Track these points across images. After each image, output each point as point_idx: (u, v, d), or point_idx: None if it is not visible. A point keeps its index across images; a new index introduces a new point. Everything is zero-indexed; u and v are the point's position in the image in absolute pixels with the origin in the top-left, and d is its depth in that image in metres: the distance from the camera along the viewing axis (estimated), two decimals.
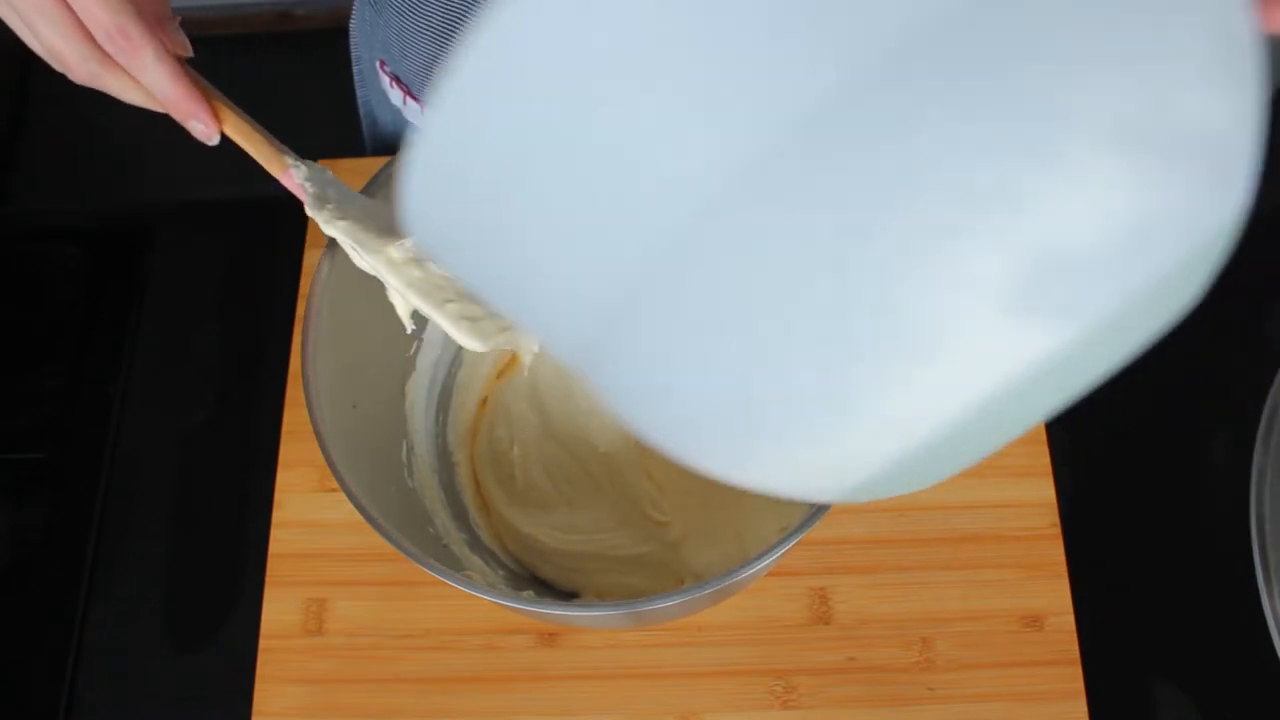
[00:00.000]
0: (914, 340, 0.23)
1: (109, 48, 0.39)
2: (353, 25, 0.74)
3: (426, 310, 0.47)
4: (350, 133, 0.84)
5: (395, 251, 0.46)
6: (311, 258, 0.67)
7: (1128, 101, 0.22)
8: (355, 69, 0.77)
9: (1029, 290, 0.23)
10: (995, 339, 0.23)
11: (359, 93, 0.79)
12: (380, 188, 0.51)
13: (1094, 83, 0.22)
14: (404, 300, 0.47)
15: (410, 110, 0.71)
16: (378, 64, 0.72)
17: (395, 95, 0.71)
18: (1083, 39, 0.22)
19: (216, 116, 0.44)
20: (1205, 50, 0.23)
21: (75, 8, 0.38)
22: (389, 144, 0.78)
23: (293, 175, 0.46)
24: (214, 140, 0.45)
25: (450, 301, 0.47)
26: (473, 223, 0.26)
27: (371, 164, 0.67)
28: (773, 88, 0.21)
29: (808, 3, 0.21)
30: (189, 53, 0.43)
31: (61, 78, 0.41)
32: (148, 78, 0.41)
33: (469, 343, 0.46)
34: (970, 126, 0.21)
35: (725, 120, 0.22)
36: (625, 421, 0.30)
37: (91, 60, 0.40)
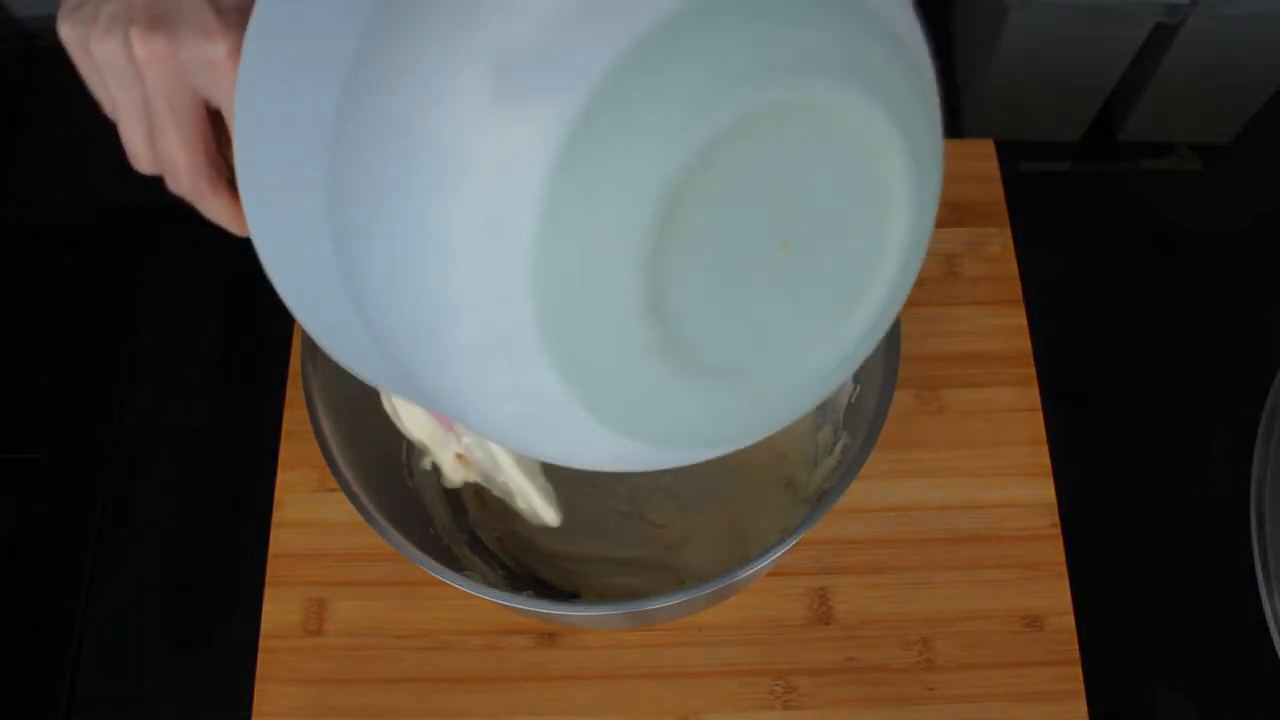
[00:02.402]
0: (437, 153, 0.25)
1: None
2: None
3: (518, 483, 0.46)
4: None
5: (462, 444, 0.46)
6: None
7: None
8: None
9: (504, 81, 0.25)
10: (498, 130, 0.25)
11: None
12: None
13: None
14: (475, 469, 0.47)
15: None
16: None
17: None
18: None
19: None
20: None
21: (226, 116, 0.35)
22: None
23: None
24: None
25: (536, 477, 0.46)
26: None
27: None
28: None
29: None
30: None
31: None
32: None
33: (550, 517, 0.46)
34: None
35: None
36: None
37: (204, 176, 0.36)
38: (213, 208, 0.37)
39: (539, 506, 0.46)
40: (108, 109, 0.36)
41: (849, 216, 0.29)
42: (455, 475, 0.47)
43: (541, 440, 0.30)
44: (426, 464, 0.48)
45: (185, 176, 0.36)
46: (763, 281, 0.29)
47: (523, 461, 0.45)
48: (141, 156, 0.36)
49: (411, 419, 0.46)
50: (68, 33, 0.35)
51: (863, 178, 0.29)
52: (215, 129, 0.36)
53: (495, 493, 0.47)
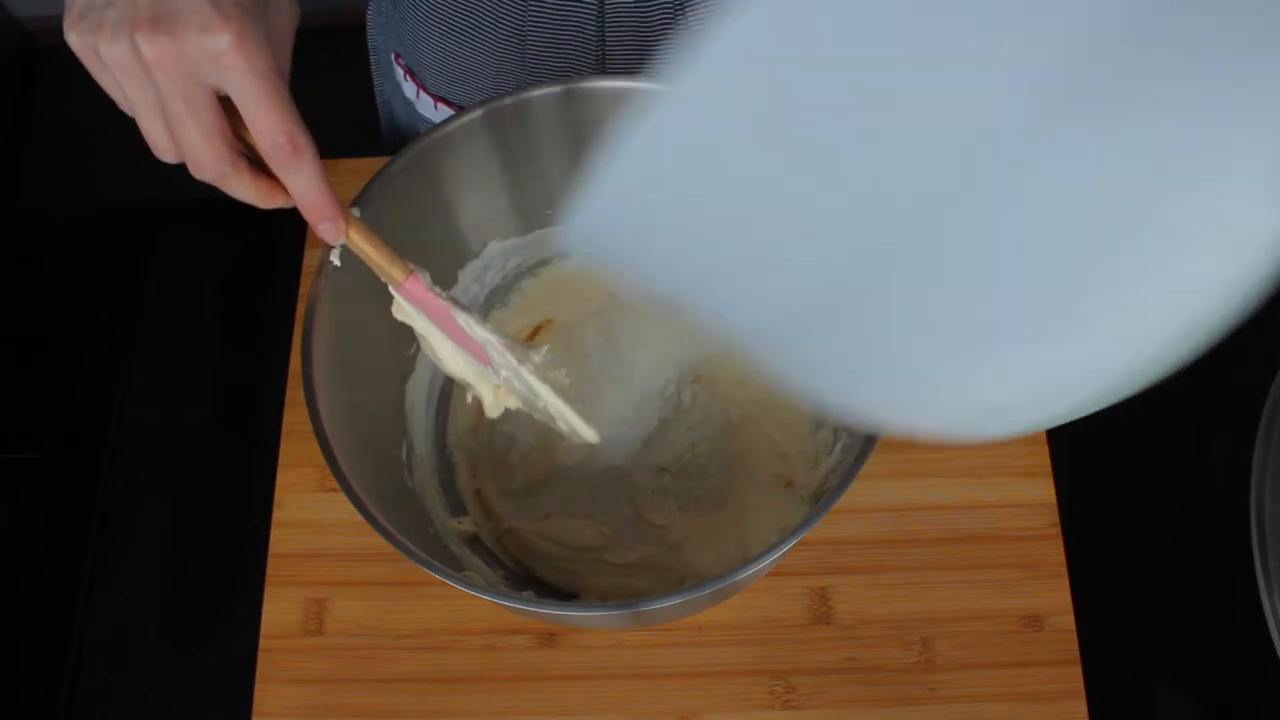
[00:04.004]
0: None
1: (273, 154, 0.38)
2: (370, 16, 0.74)
3: (557, 407, 0.49)
4: (358, 131, 0.83)
5: (538, 356, 0.49)
6: (311, 257, 0.67)
7: None
8: (372, 60, 0.77)
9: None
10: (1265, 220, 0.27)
11: (376, 84, 0.78)
12: (384, 186, 0.51)
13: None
14: (516, 397, 0.50)
15: (423, 104, 0.70)
16: (393, 56, 0.71)
17: (409, 88, 0.71)
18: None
19: (345, 219, 0.43)
20: None
21: (244, 113, 0.36)
22: (405, 137, 0.77)
23: (419, 279, 0.45)
24: (340, 241, 0.43)
25: (574, 402, 0.49)
26: (669, 231, 0.30)
27: (370, 164, 0.67)
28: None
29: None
30: None
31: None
32: (299, 182, 0.39)
33: (590, 435, 0.50)
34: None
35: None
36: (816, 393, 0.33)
37: (227, 163, 0.38)
38: (237, 188, 0.39)
39: (579, 427, 0.49)
40: (125, 108, 0.38)
41: None
42: (498, 404, 0.50)
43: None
44: (469, 397, 0.51)
45: (209, 165, 0.38)
46: None
47: (560, 389, 0.49)
48: (164, 149, 0.38)
49: (451, 359, 0.48)
50: (76, 41, 0.36)
51: None
52: (228, 114, 0.37)
53: (536, 418, 0.50)
